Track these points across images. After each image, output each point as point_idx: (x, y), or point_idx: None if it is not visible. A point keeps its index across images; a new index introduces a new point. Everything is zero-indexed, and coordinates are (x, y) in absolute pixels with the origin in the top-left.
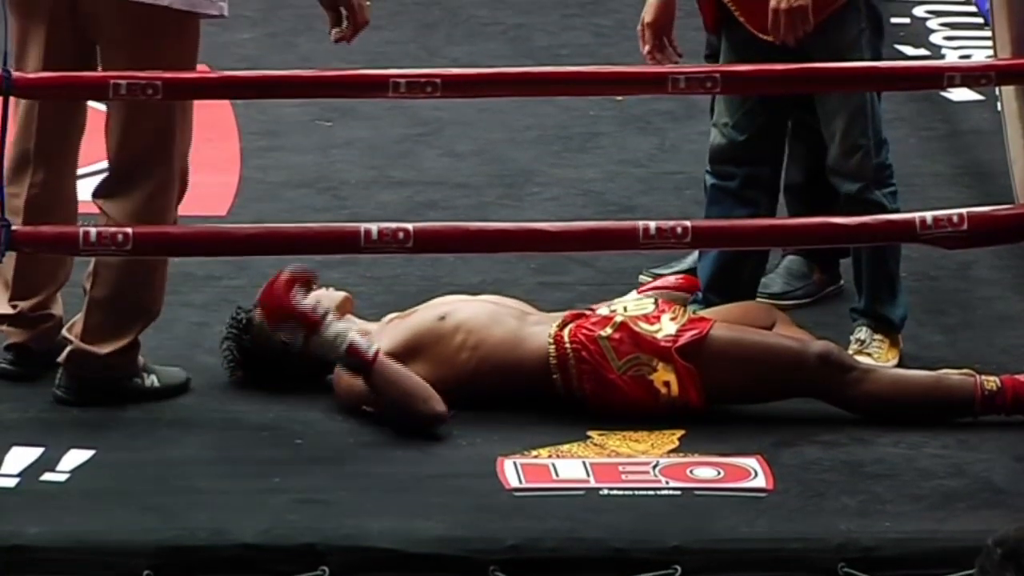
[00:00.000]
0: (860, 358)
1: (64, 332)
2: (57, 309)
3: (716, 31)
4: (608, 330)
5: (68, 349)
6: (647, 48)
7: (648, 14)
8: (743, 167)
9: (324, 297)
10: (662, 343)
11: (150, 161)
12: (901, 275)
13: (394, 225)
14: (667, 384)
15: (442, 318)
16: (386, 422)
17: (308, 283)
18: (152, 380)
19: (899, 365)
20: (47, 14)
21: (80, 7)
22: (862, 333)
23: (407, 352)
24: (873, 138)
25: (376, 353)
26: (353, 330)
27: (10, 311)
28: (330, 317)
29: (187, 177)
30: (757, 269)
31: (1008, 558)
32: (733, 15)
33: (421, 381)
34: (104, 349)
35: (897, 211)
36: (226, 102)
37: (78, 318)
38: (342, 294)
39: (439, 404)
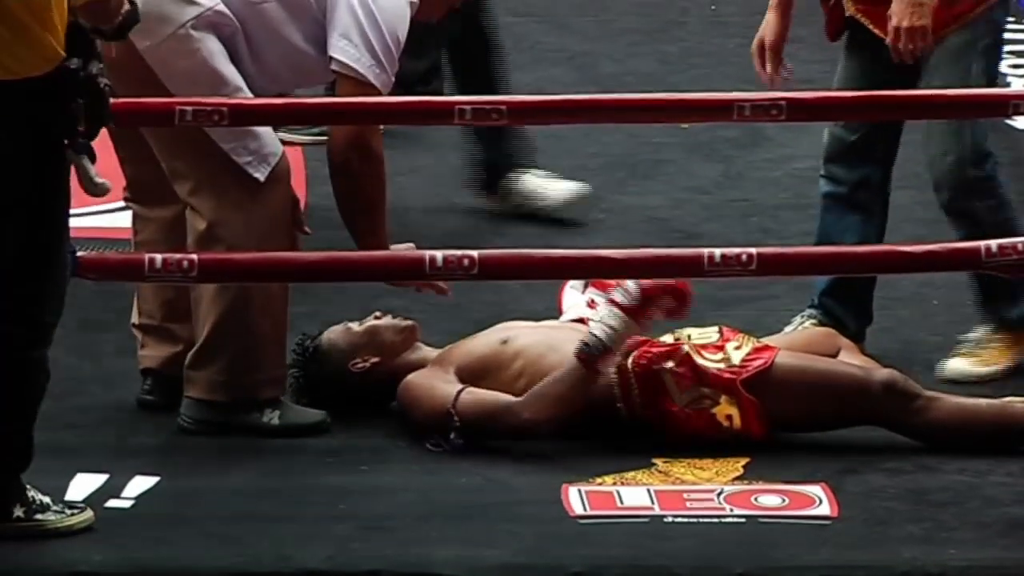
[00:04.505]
0: (965, 360)
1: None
2: (185, 332)
3: (835, 38)
4: (670, 363)
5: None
6: (768, 68)
7: (767, 33)
8: (854, 169)
9: (389, 326)
10: (726, 375)
11: None
12: (965, 303)
13: (459, 252)
14: (729, 418)
15: (504, 342)
16: (469, 427)
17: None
18: (273, 417)
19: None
20: None
21: None
22: (979, 333)
23: (472, 376)
24: (970, 147)
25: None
26: (619, 339)
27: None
28: (622, 317)
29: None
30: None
31: None
32: (858, 22)
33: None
34: (198, 376)
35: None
36: None
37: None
38: (409, 322)
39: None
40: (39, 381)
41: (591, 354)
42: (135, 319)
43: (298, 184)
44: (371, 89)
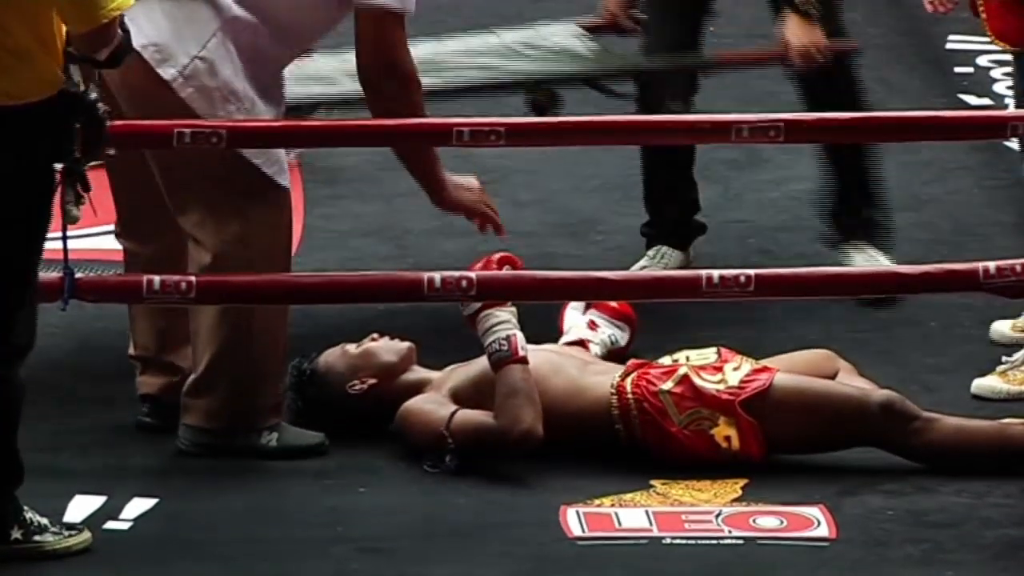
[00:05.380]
0: (995, 379)
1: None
2: (183, 361)
3: None
4: (670, 384)
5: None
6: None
7: None
8: None
9: (386, 347)
10: (725, 396)
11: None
12: (963, 324)
13: (457, 274)
14: (728, 439)
15: None
16: (464, 448)
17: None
18: (271, 439)
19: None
20: None
21: None
22: (1018, 356)
23: (471, 399)
24: None
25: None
26: (507, 324)
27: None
28: (490, 313)
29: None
30: None
31: None
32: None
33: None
34: (196, 404)
35: None
36: None
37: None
38: (406, 344)
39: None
40: (14, 398)
41: (503, 356)
42: (131, 350)
43: (295, 206)
44: (391, 17)
